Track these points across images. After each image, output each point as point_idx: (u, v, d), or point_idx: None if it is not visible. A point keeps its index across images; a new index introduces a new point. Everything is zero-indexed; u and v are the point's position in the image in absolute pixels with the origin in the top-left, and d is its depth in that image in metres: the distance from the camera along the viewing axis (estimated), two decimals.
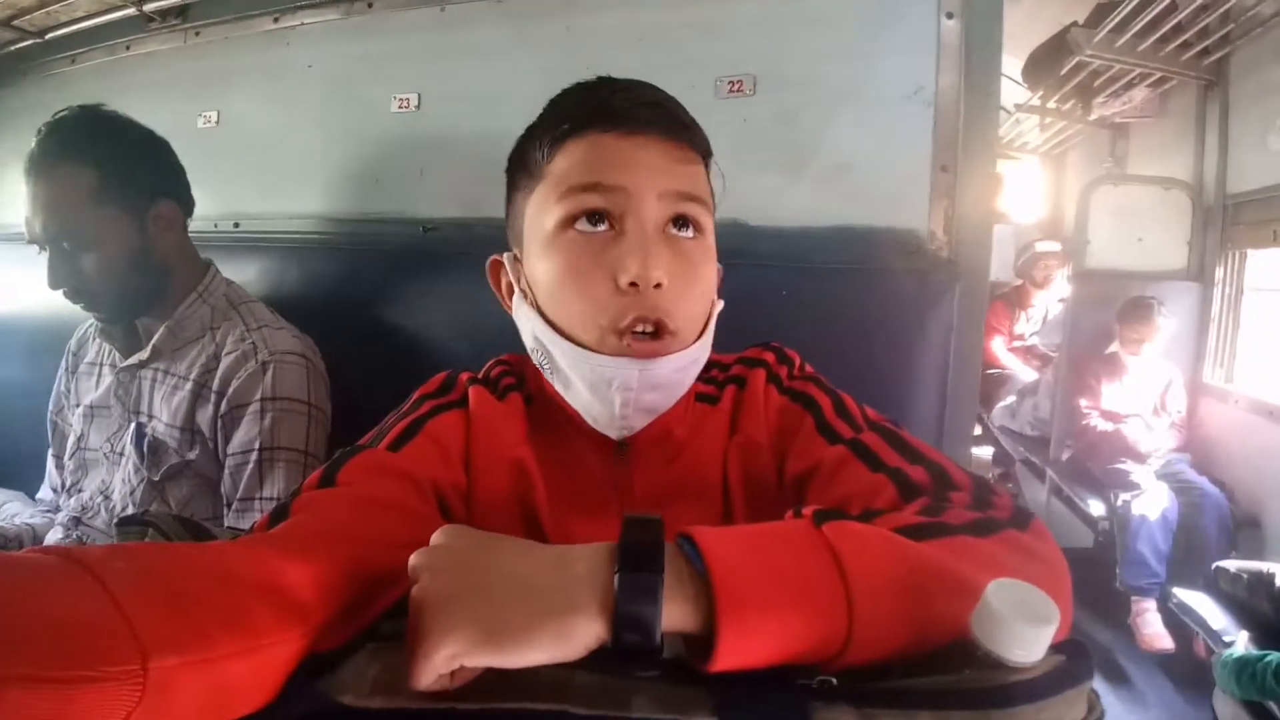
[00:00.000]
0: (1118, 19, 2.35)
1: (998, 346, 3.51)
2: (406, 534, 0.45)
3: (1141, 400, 2.56)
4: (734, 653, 0.35)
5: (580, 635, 0.35)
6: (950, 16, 0.94)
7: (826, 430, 0.59)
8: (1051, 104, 3.22)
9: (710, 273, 0.60)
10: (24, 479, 1.26)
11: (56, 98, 1.18)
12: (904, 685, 0.36)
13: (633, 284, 0.53)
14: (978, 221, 0.96)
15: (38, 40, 1.61)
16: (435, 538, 0.40)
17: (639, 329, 0.54)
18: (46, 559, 0.32)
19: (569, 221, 0.55)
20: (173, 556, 0.37)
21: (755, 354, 0.67)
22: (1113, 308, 2.61)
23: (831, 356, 0.70)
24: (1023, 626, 0.33)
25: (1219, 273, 2.59)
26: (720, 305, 0.63)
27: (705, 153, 0.61)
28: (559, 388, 0.61)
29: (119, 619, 0.30)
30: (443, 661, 0.34)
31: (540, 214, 0.57)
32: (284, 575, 0.37)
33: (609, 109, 0.56)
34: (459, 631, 0.34)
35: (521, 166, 0.61)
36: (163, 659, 0.30)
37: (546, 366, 0.61)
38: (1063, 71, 2.75)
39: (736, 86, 1.03)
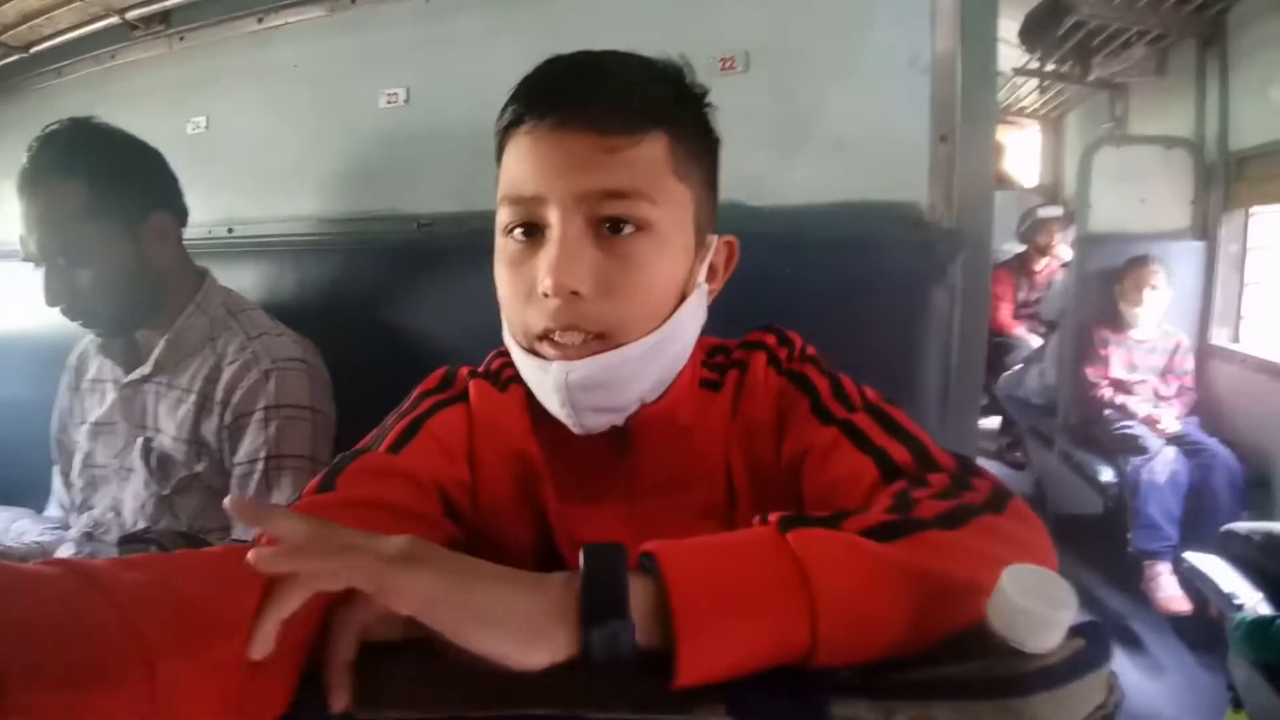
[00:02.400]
0: None
1: (1003, 314, 3.51)
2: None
3: (1150, 364, 2.54)
4: (695, 667, 0.35)
5: (543, 650, 0.35)
6: None
7: (821, 412, 0.58)
8: (1050, 66, 3.17)
9: (664, 266, 0.55)
10: (30, 497, 1.26)
11: (45, 112, 1.16)
12: (921, 677, 0.35)
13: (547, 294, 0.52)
14: (979, 190, 0.95)
15: (23, 55, 1.60)
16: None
17: (556, 338, 0.53)
18: (49, 570, 0.32)
19: (506, 229, 0.55)
20: (175, 564, 0.38)
21: (756, 337, 0.67)
22: (1117, 269, 2.58)
23: (837, 333, 0.69)
24: (1039, 612, 0.33)
25: (1223, 231, 2.56)
26: (703, 289, 0.60)
27: (665, 121, 0.53)
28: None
29: (124, 625, 0.30)
30: (398, 597, 0.34)
31: (497, 212, 0.57)
32: None
33: (542, 98, 0.53)
34: (426, 584, 0.34)
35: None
36: (170, 664, 0.30)
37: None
38: (1060, 32, 2.71)
39: (728, 64, 1.01)
